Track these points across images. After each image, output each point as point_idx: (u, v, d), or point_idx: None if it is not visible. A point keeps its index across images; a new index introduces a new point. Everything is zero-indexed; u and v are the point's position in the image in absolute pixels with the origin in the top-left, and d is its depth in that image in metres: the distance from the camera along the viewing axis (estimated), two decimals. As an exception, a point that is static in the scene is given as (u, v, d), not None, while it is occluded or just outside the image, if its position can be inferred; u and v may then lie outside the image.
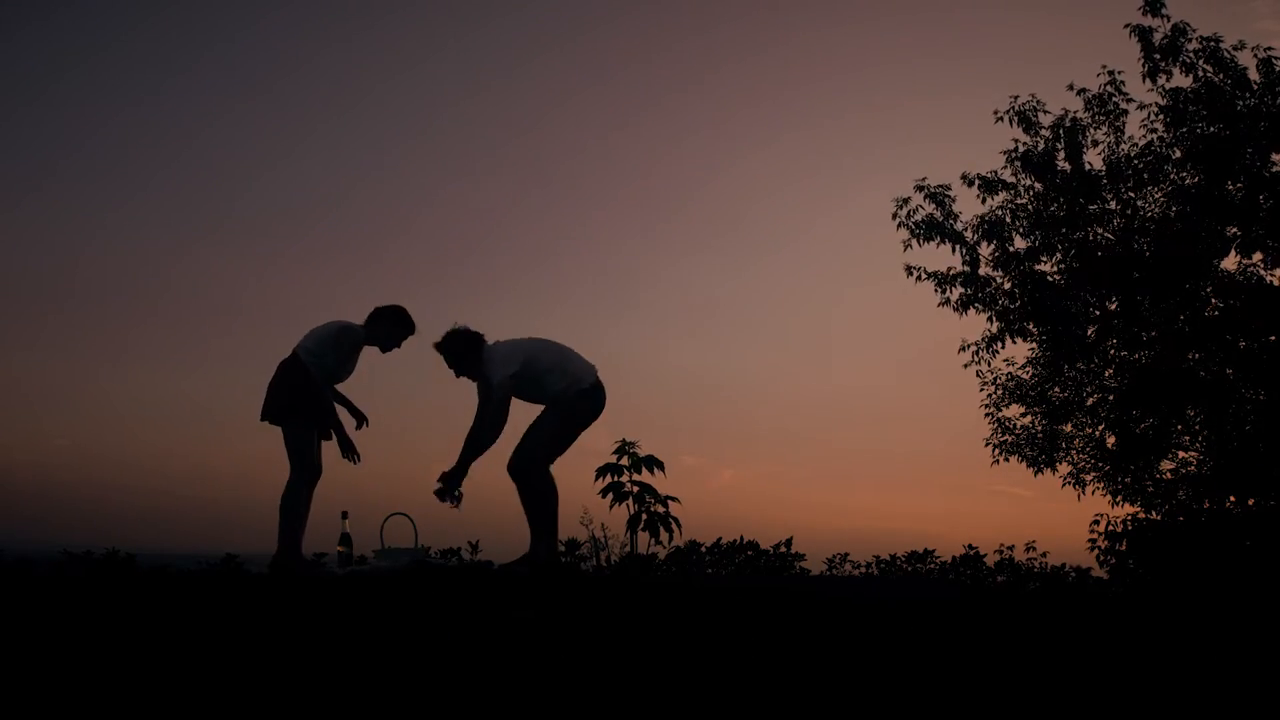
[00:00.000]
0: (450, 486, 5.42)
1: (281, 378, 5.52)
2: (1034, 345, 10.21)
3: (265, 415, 5.51)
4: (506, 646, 2.91)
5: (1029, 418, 10.27)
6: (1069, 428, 10.22)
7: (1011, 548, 9.91)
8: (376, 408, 5.97)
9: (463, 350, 5.55)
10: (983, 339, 10.26)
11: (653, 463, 6.90)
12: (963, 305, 10.14)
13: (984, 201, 10.20)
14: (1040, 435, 10.18)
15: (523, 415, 5.67)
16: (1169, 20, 9.44)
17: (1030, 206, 10.09)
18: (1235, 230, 9.41)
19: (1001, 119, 10.08)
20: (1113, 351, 9.97)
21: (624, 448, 6.96)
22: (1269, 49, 9.29)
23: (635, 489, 7.00)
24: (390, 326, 5.64)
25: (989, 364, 10.34)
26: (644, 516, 7.01)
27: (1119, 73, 9.77)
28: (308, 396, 5.46)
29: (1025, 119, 10.01)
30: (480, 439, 5.45)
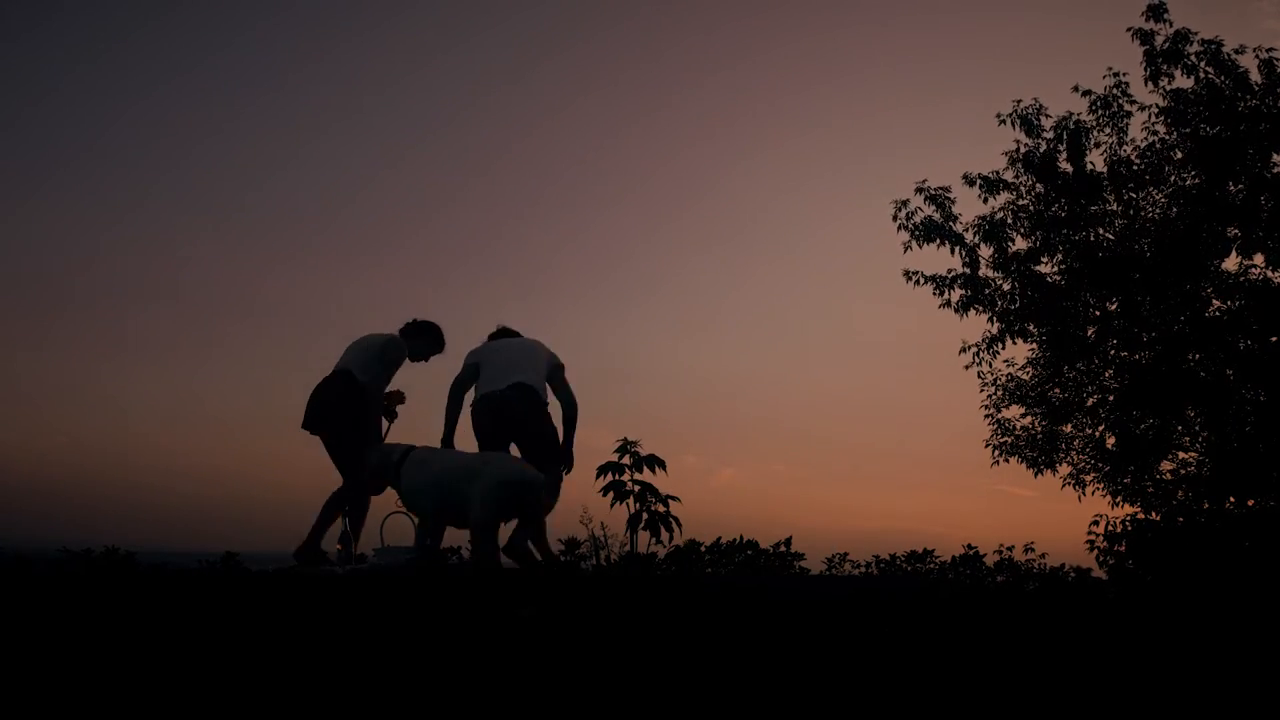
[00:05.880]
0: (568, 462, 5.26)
1: (329, 393, 5.39)
2: (1034, 346, 10.21)
3: (312, 426, 5.38)
4: (508, 644, 2.90)
5: (1029, 418, 10.28)
6: (1069, 428, 10.21)
7: (1011, 548, 9.93)
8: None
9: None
10: (983, 340, 10.26)
11: (654, 462, 6.89)
12: (963, 306, 10.14)
13: (986, 202, 10.22)
14: (1040, 436, 10.18)
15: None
16: (1171, 25, 9.47)
17: (1031, 207, 10.09)
18: (1236, 231, 9.42)
19: (1004, 122, 10.10)
20: (1113, 352, 9.96)
21: (625, 446, 6.95)
22: (1270, 50, 9.31)
23: (636, 488, 6.99)
24: (430, 342, 5.64)
25: (989, 365, 10.35)
26: (645, 515, 7.00)
27: (1124, 74, 9.79)
28: (351, 418, 5.34)
29: (1027, 122, 10.02)
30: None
